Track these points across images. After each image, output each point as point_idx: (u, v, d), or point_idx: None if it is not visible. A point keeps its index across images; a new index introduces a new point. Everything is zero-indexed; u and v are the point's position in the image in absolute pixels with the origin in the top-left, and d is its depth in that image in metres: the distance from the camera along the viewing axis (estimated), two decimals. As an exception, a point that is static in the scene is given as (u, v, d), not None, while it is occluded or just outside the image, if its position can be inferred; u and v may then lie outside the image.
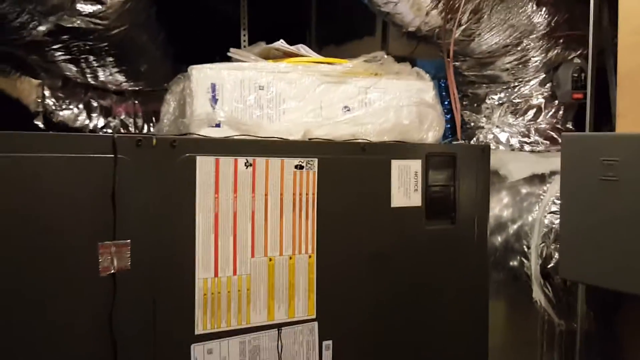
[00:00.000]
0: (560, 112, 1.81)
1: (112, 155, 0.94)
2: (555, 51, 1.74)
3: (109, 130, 1.87)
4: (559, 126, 1.81)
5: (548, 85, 1.80)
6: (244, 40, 2.15)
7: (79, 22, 1.55)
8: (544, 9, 1.66)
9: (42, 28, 1.52)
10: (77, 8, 1.51)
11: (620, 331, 1.42)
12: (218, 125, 1.17)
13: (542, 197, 1.58)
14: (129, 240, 0.96)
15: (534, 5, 1.64)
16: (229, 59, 1.35)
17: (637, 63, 1.01)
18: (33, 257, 0.91)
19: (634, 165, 0.94)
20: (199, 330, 1.04)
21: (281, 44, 1.39)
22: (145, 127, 1.96)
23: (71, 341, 0.94)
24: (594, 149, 1.02)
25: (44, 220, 0.92)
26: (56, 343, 0.92)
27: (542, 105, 1.82)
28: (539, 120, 1.83)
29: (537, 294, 1.55)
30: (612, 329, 1.45)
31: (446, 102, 1.78)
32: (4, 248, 0.88)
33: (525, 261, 1.57)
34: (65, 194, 0.93)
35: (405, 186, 1.26)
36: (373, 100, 1.31)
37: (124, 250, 0.96)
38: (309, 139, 1.22)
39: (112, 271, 0.95)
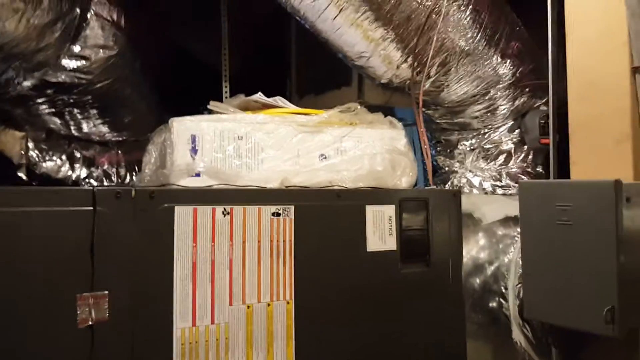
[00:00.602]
0: (530, 157, 1.88)
1: (92, 208, 0.97)
2: (522, 99, 1.83)
3: (92, 181, 1.90)
4: (529, 170, 1.88)
5: (517, 131, 1.88)
6: (226, 92, 2.22)
7: (63, 77, 1.60)
8: (508, 60, 1.76)
9: (27, 83, 1.57)
10: (62, 64, 1.57)
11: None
12: (198, 175, 1.20)
13: (516, 238, 1.62)
14: (107, 292, 0.98)
15: (499, 58, 1.73)
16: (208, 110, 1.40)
17: (585, 114, 1.08)
18: (11, 309, 0.91)
19: (585, 210, 0.99)
20: (177, 380, 1.05)
21: (259, 96, 1.45)
22: (128, 176, 1.99)
23: (48, 394, 0.93)
24: (548, 195, 1.08)
25: (23, 271, 0.93)
26: (32, 396, 0.92)
27: (512, 150, 1.89)
28: (509, 165, 1.89)
29: (517, 335, 1.57)
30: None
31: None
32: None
33: (503, 302, 1.59)
34: (44, 247, 0.94)
35: (380, 231, 1.30)
36: (348, 149, 1.35)
37: (102, 301, 0.97)
38: (287, 186, 1.25)
39: (90, 323, 0.96)
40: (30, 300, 0.93)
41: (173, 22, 2.16)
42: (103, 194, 0.99)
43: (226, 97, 2.22)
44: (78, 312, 0.95)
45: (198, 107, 2.33)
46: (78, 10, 1.50)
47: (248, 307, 1.13)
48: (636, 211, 1.12)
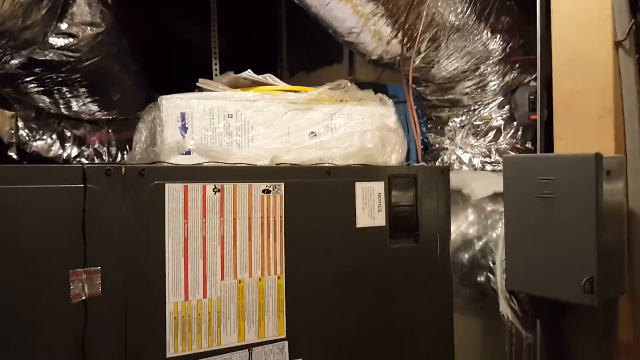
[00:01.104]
0: (519, 133, 1.89)
1: (82, 185, 0.98)
2: (512, 75, 1.84)
3: (83, 160, 1.90)
4: (518, 146, 1.89)
5: (507, 107, 1.89)
6: (216, 69, 2.21)
7: (51, 55, 1.59)
8: (498, 36, 1.75)
9: (14, 62, 1.56)
10: (50, 42, 1.56)
11: (566, 338, 1.48)
12: (188, 153, 1.21)
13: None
14: (99, 267, 0.99)
15: (489, 33, 1.73)
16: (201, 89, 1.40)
17: (569, 89, 1.09)
18: (5, 286, 0.93)
19: (567, 183, 1.01)
20: (170, 353, 1.07)
21: (249, 73, 1.45)
22: (119, 155, 1.99)
23: (43, 367, 0.95)
24: (531, 169, 1.09)
25: (16, 249, 0.94)
26: (28, 370, 0.94)
27: (502, 127, 1.90)
28: (499, 141, 1.91)
29: (504, 308, 1.60)
30: (558, 337, 1.51)
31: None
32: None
33: (491, 276, 1.62)
34: (37, 224, 0.95)
35: (370, 207, 1.31)
36: (338, 126, 1.36)
37: (94, 276, 0.98)
38: (277, 164, 1.26)
39: (83, 297, 0.98)
40: (24, 276, 0.94)
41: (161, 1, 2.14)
42: (93, 171, 0.99)
43: (216, 75, 2.21)
44: (71, 287, 0.97)
45: (187, 86, 2.33)
46: (64, -14, 1.49)
47: (239, 281, 1.15)
48: (616, 184, 1.14)
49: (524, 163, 1.15)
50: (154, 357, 1.05)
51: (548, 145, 1.43)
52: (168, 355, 1.06)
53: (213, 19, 2.21)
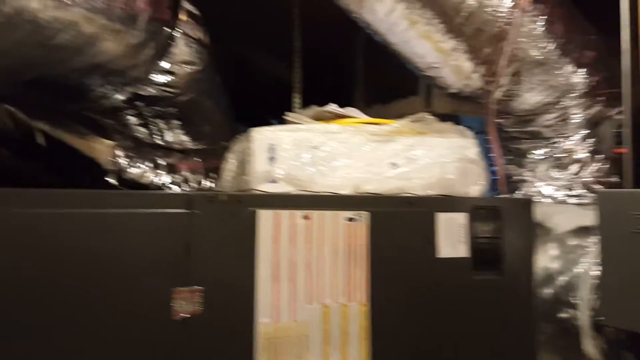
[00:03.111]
0: (603, 166, 1.84)
1: (188, 211, 1.07)
2: (596, 108, 1.80)
3: (173, 186, 2.03)
4: (602, 179, 1.84)
5: (590, 140, 1.85)
6: (296, 103, 2.31)
7: (152, 90, 1.73)
8: (582, 70, 1.73)
9: (120, 97, 1.71)
10: (152, 79, 1.70)
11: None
12: (275, 182, 1.28)
13: (588, 249, 1.60)
14: (201, 287, 1.07)
15: (572, 67, 1.72)
16: (281, 120, 1.48)
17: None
18: (113, 301, 1.02)
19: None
20: (260, 372, 1.12)
21: (333, 107, 1.52)
22: (205, 182, 2.11)
23: (147, 378, 1.04)
24: (625, 203, 1.08)
25: (125, 267, 1.04)
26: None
27: (585, 160, 1.86)
28: (582, 174, 1.86)
29: (588, 347, 1.54)
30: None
31: (492, 155, 1.85)
32: (89, 293, 1.00)
33: (574, 313, 1.57)
34: (146, 244, 1.05)
35: (452, 238, 1.33)
36: (418, 157, 1.39)
37: (196, 295, 1.06)
38: (359, 193, 1.31)
39: (184, 315, 1.06)
40: (131, 292, 1.03)
41: (246, 38, 2.28)
42: (198, 198, 1.08)
43: (296, 108, 2.31)
44: (174, 304, 1.05)
45: (269, 118, 2.45)
46: (168, 29, 1.63)
47: (325, 307, 1.20)
48: None
49: (617, 198, 1.13)
50: (245, 375, 1.10)
51: (638, 180, 1.39)
52: (258, 374, 1.12)
53: (296, 56, 2.33)
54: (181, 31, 1.70)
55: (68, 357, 0.99)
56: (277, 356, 1.14)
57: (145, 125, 1.92)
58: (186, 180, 2.12)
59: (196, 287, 1.06)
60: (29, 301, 0.96)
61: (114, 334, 1.02)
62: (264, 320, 1.14)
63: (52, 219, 0.98)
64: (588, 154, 1.86)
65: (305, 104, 1.71)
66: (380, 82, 2.48)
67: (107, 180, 2.03)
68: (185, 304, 1.06)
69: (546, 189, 1.90)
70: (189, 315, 1.06)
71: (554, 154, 1.89)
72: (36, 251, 0.97)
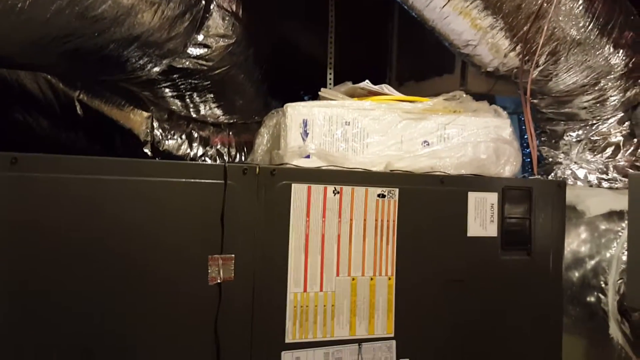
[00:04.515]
0: (639, 150, 1.80)
1: (223, 181, 1.10)
2: (634, 90, 1.76)
3: (207, 159, 2.07)
4: (638, 164, 1.80)
5: (627, 123, 1.81)
6: (330, 79, 2.31)
7: (187, 63, 1.76)
8: (621, 51, 1.69)
9: (156, 69, 1.74)
10: (187, 51, 1.73)
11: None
12: (308, 157, 1.30)
13: (620, 233, 1.59)
14: (233, 255, 1.11)
15: (611, 48, 1.67)
16: (313, 96, 1.49)
17: None
18: (151, 267, 1.06)
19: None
20: (288, 339, 1.16)
21: (366, 84, 1.52)
22: (238, 156, 2.15)
23: (183, 340, 1.08)
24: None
25: (163, 235, 1.08)
26: (172, 340, 1.08)
27: (621, 143, 1.82)
28: (617, 158, 1.83)
29: (614, 331, 1.54)
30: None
31: (525, 136, 1.83)
32: (128, 257, 1.05)
33: (602, 297, 1.57)
34: (182, 213, 1.09)
35: (482, 217, 1.33)
36: (451, 136, 1.39)
37: (229, 263, 1.10)
38: (390, 170, 1.32)
39: (219, 281, 1.10)
40: (168, 259, 1.08)
41: (281, 13, 2.28)
42: (233, 169, 1.11)
43: (330, 85, 2.31)
44: (209, 271, 1.09)
45: (299, 93, 2.46)
46: (203, 2, 1.65)
47: (353, 279, 1.22)
48: None
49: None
50: (275, 340, 1.15)
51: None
52: (287, 341, 1.16)
53: (330, 31, 2.32)
54: (217, 4, 1.71)
55: (108, 319, 1.03)
56: (307, 324, 1.18)
57: (180, 97, 1.96)
58: (220, 154, 2.16)
59: (229, 254, 1.10)
60: (68, 265, 1.00)
61: (149, 297, 1.06)
62: (295, 289, 1.17)
63: (97, 185, 1.02)
64: (623, 137, 1.82)
65: (339, 80, 1.71)
66: (415, 60, 2.45)
67: (143, 151, 2.09)
68: (219, 270, 1.10)
69: (580, 172, 1.87)
70: (222, 281, 1.09)
71: (589, 136, 1.86)
72: (78, 216, 1.01)
